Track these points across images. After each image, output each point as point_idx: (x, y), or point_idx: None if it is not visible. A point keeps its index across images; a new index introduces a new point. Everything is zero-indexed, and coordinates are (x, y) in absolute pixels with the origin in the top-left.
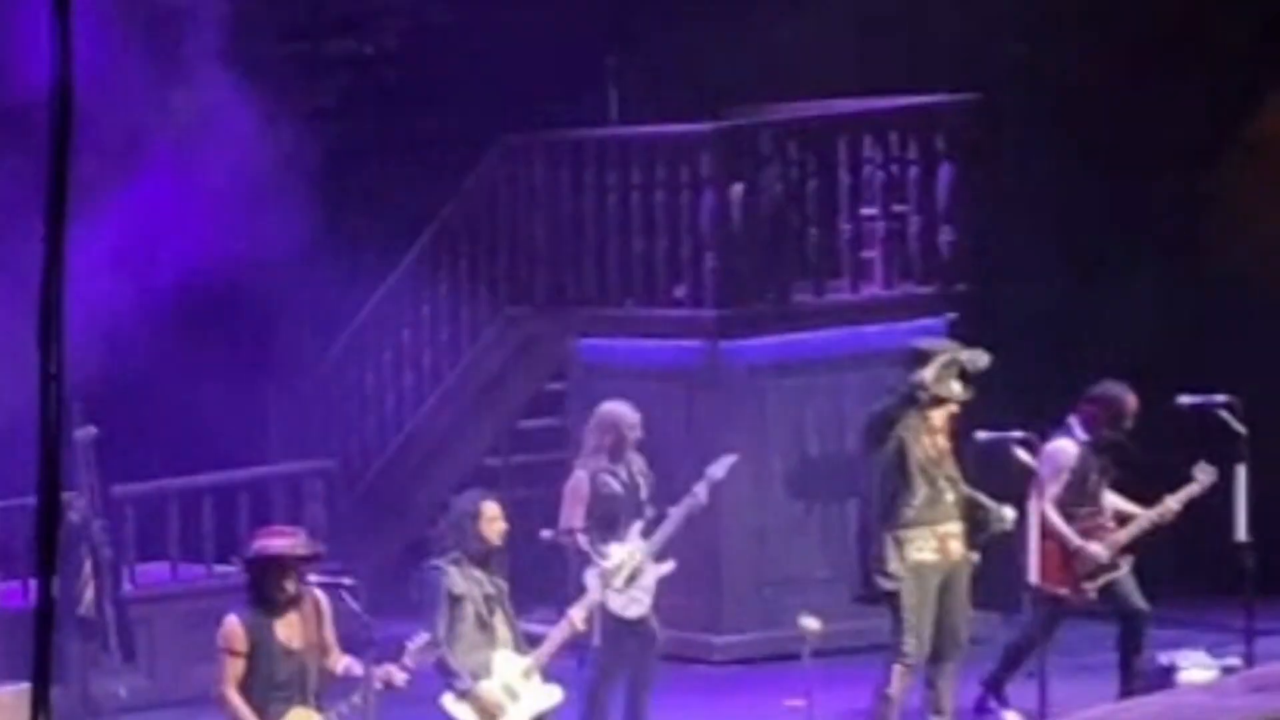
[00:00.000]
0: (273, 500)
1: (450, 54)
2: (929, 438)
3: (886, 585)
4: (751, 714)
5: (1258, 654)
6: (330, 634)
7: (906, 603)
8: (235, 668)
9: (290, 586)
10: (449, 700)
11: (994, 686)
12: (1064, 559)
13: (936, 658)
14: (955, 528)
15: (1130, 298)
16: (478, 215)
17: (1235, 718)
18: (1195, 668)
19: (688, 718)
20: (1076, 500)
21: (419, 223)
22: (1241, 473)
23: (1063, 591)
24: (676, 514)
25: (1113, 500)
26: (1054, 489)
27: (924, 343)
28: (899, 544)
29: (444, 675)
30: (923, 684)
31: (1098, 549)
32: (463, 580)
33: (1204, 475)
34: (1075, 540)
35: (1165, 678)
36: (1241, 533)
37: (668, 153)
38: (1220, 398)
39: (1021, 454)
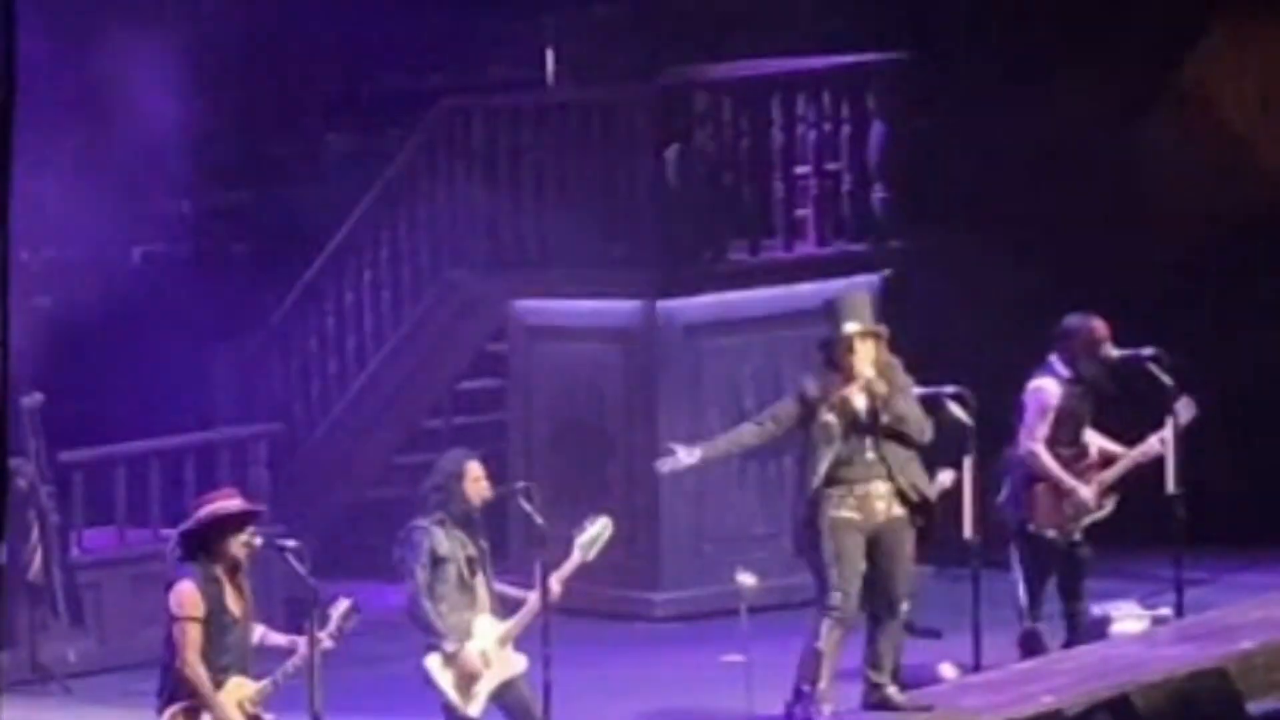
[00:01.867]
0: (218, 464)
1: (389, 16)
2: (850, 393)
3: (801, 542)
4: (691, 670)
5: (1188, 604)
6: (249, 598)
7: (825, 559)
8: (197, 634)
9: (240, 548)
10: (434, 662)
11: (1026, 646)
12: (1054, 501)
13: (874, 618)
14: (880, 487)
15: (1066, 250)
16: (417, 178)
17: (1166, 667)
18: (1127, 619)
19: (628, 674)
20: (1065, 440)
21: (360, 186)
22: (1170, 424)
23: (1052, 533)
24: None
25: (1094, 439)
26: (1042, 429)
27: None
28: (815, 502)
29: (429, 635)
30: (864, 641)
31: (1087, 493)
32: (446, 541)
33: (1185, 411)
34: (1069, 482)
35: (1098, 629)
36: (1172, 484)
37: (604, 114)
38: (1148, 351)
39: (955, 409)
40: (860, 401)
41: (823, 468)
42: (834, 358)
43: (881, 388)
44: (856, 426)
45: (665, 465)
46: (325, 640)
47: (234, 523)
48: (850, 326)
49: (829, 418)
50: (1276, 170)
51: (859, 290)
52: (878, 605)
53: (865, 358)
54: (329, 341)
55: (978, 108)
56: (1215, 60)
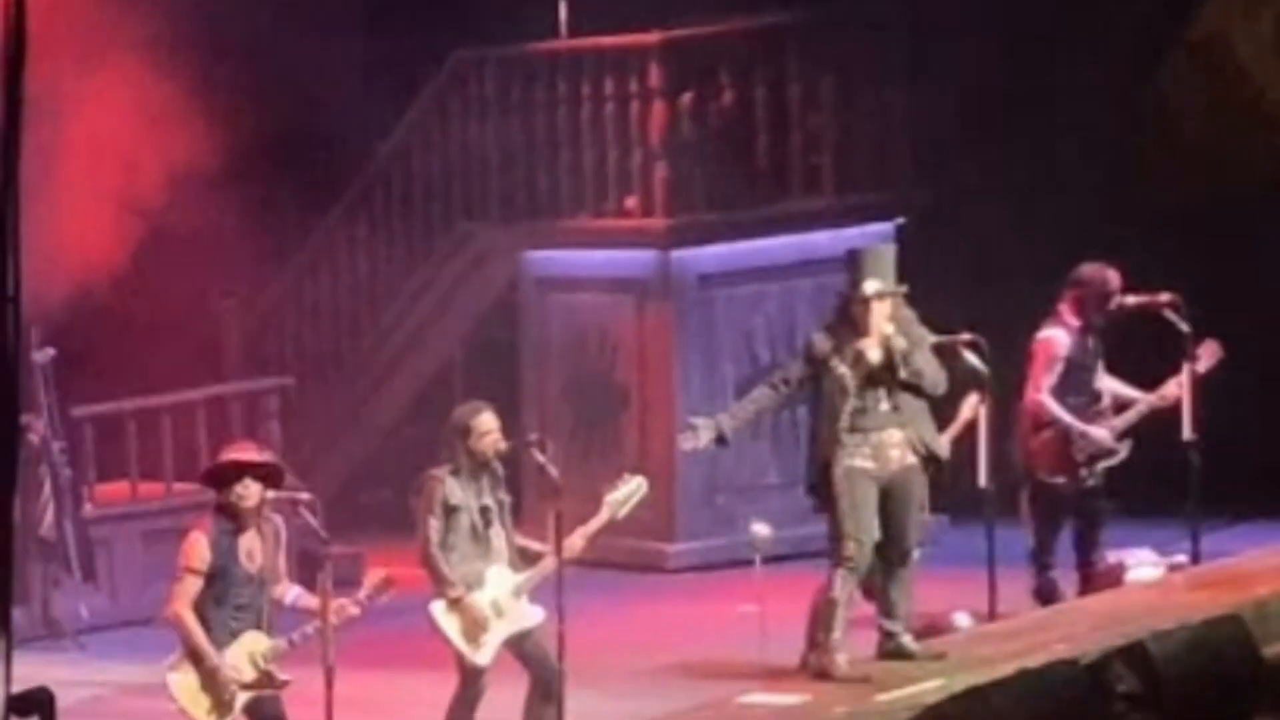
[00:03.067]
0: (230, 418)
1: None
2: (866, 344)
3: (816, 493)
4: (706, 620)
5: (1203, 551)
6: (284, 562)
7: (841, 507)
8: (192, 586)
9: (249, 495)
10: (439, 609)
11: (1041, 594)
12: (1062, 448)
13: (887, 566)
14: (895, 435)
15: (1076, 201)
16: (430, 130)
17: (1182, 614)
18: (1143, 566)
19: (643, 625)
20: (1074, 389)
21: (372, 139)
22: (1187, 370)
23: (1059, 480)
24: None
25: (1111, 385)
26: (1048, 378)
27: (858, 247)
28: (832, 452)
29: (436, 582)
30: (878, 591)
31: (1101, 433)
32: (460, 491)
33: (1209, 355)
34: (1078, 426)
35: (1114, 576)
36: (1188, 431)
37: (617, 64)
38: (1165, 296)
39: (969, 356)
40: (875, 355)
41: (843, 419)
42: (851, 312)
43: (901, 343)
44: (871, 379)
45: (687, 442)
46: (353, 607)
47: (236, 468)
48: (871, 286)
49: (843, 370)
50: None
51: (882, 245)
52: (890, 553)
53: (882, 314)
54: (341, 295)
55: (994, 58)
56: (1229, 7)
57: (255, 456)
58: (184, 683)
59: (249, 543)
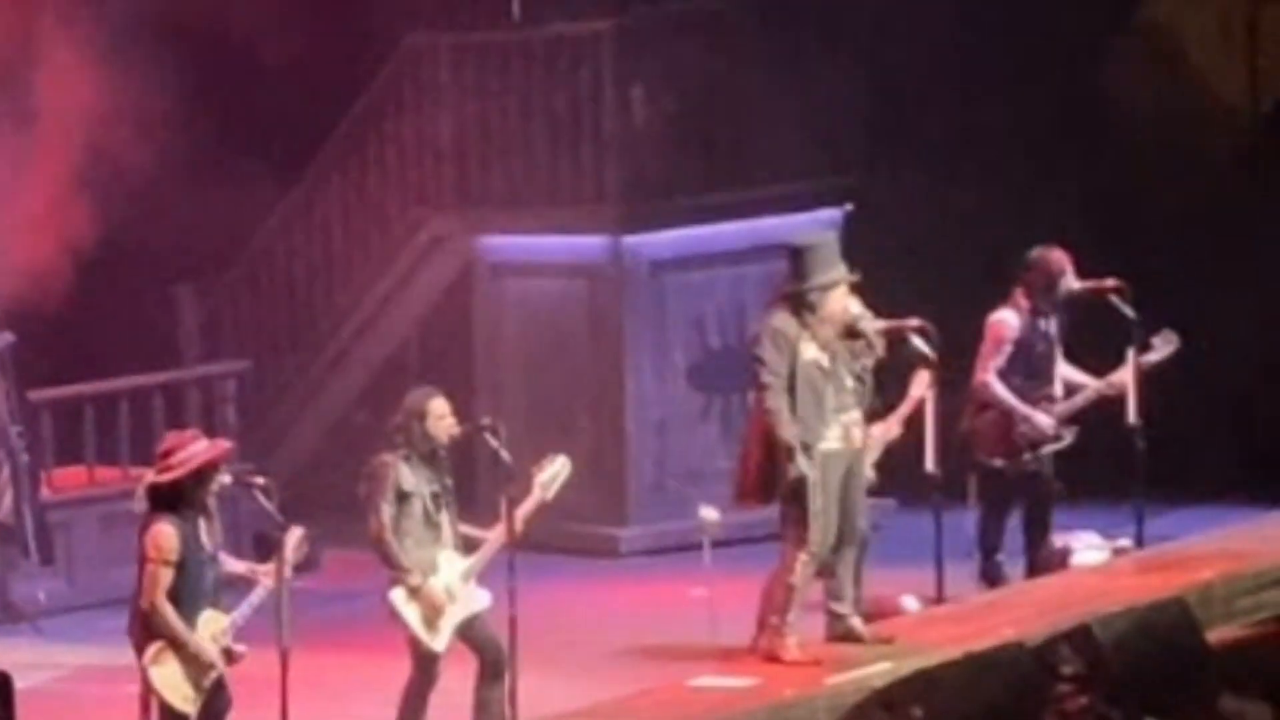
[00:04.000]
0: (187, 402)
1: None
2: (822, 328)
3: (808, 470)
4: (657, 604)
5: (1148, 536)
6: (219, 531)
7: (813, 493)
8: (165, 578)
9: (215, 490)
10: (399, 596)
11: (987, 578)
12: (1004, 430)
13: (835, 545)
14: (856, 414)
15: (1026, 185)
16: (384, 117)
17: (1127, 598)
18: (1088, 550)
19: (594, 609)
20: (1024, 371)
21: (327, 125)
22: (1132, 356)
23: (999, 462)
24: None
25: (1066, 371)
26: (996, 360)
27: (797, 238)
28: (817, 434)
29: (393, 570)
30: (827, 575)
31: (1045, 420)
32: (411, 476)
33: (1164, 344)
34: (1021, 408)
35: (1060, 560)
36: (1133, 416)
37: (570, 51)
38: (1111, 282)
39: (917, 341)
40: (839, 339)
41: (828, 403)
42: (807, 300)
43: (869, 324)
44: (840, 359)
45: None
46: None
47: (211, 470)
48: (834, 275)
49: (816, 354)
50: (1236, 102)
51: (826, 234)
52: (840, 533)
53: (841, 299)
54: (297, 280)
55: (942, 43)
56: None
57: (225, 446)
58: (164, 673)
59: (205, 526)
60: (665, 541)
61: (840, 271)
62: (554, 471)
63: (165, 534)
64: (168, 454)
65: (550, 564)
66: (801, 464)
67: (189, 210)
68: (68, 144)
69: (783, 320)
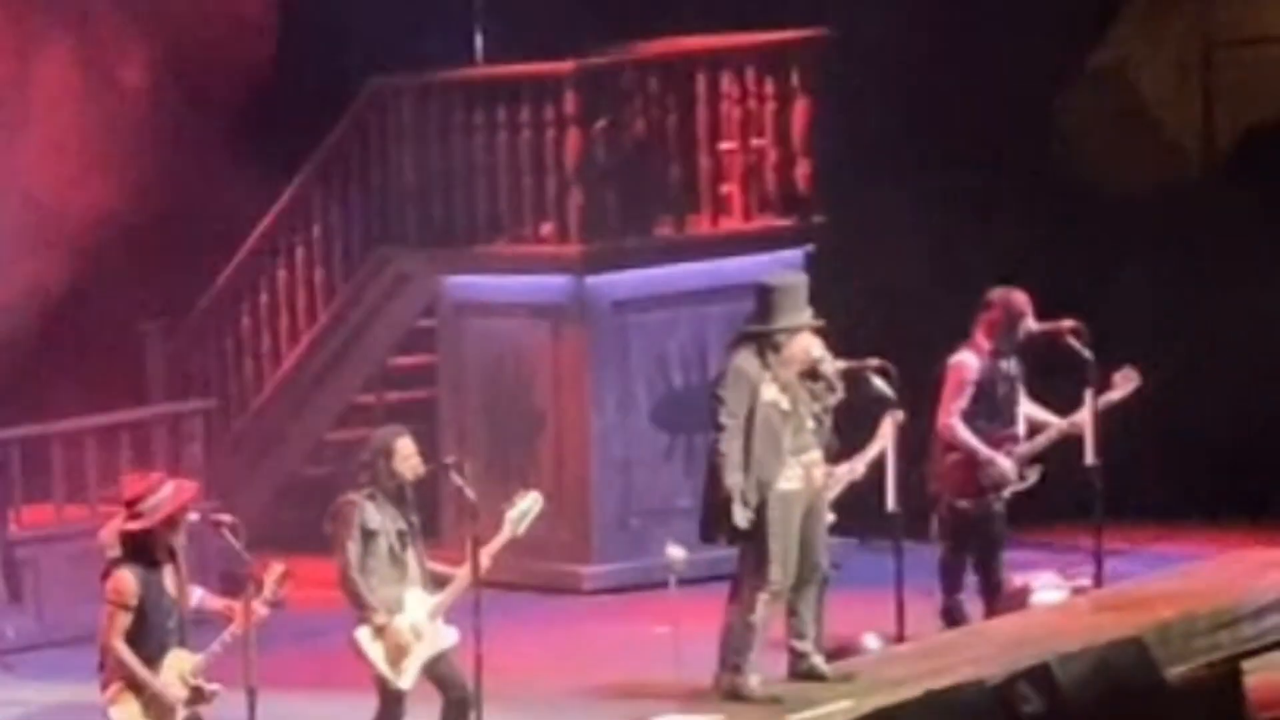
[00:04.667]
0: (154, 441)
1: None
2: (784, 370)
3: (743, 521)
4: (621, 642)
5: (1106, 575)
6: (185, 568)
7: (772, 531)
8: (124, 621)
9: (181, 536)
10: (364, 635)
11: (948, 616)
12: (969, 472)
13: (797, 583)
14: (816, 454)
15: (985, 222)
16: (349, 156)
17: (1086, 636)
18: (1047, 589)
19: (559, 647)
20: (987, 413)
21: (292, 165)
22: (1089, 396)
23: (964, 504)
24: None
25: (1030, 410)
26: (959, 402)
27: (765, 278)
28: (775, 475)
29: (358, 609)
30: (784, 611)
31: (1006, 464)
32: (377, 515)
33: (1124, 382)
34: (984, 452)
35: (1019, 599)
36: (1091, 456)
37: (532, 92)
38: (1068, 323)
39: (878, 382)
40: (798, 381)
41: (786, 442)
42: (773, 340)
43: (830, 367)
44: (801, 400)
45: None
46: (261, 608)
47: (181, 515)
48: (800, 319)
49: (776, 396)
50: (1192, 143)
51: (796, 277)
52: (802, 571)
53: (804, 343)
54: (261, 318)
55: (899, 84)
56: (1131, 35)
57: (192, 489)
58: (125, 713)
59: (169, 566)
60: (629, 579)
61: (806, 316)
62: (525, 507)
63: (124, 579)
64: (135, 500)
65: (515, 601)
66: (738, 513)
67: (156, 249)
68: (35, 182)
69: (745, 360)
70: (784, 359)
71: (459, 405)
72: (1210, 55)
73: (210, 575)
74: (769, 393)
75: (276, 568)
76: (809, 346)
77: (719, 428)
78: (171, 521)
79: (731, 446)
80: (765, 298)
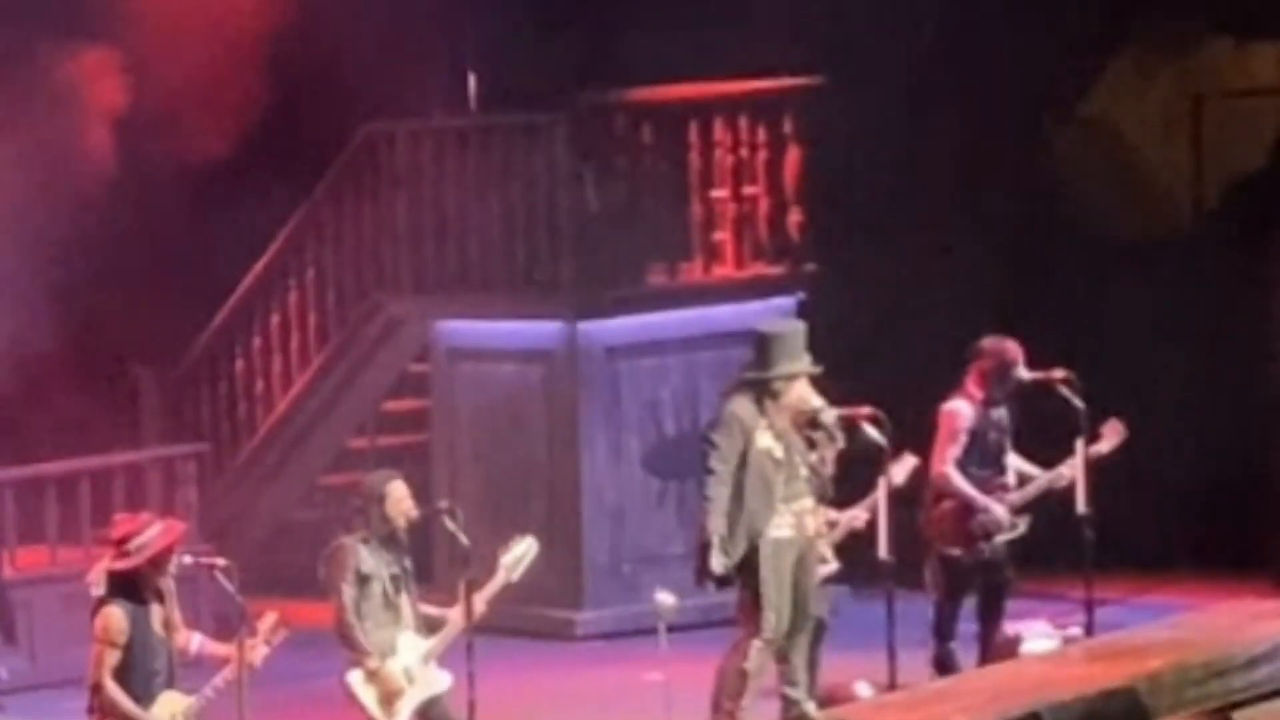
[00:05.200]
0: (148, 484)
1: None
2: (780, 417)
3: (719, 567)
4: (612, 688)
5: (1098, 624)
6: (178, 613)
7: (764, 578)
8: (112, 659)
9: (169, 578)
10: (356, 679)
11: (940, 665)
12: (961, 520)
13: (789, 631)
14: (809, 503)
15: (973, 272)
16: (343, 201)
17: (1077, 686)
18: (1039, 638)
19: (551, 693)
20: (979, 460)
21: (286, 209)
22: (1081, 446)
23: (956, 552)
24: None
25: (1013, 461)
26: (952, 450)
27: (763, 325)
28: (765, 523)
29: (351, 652)
30: (780, 659)
31: (1000, 510)
32: (371, 559)
33: (1112, 434)
34: (980, 499)
35: (1010, 648)
36: (1082, 505)
37: (525, 138)
38: (1059, 373)
39: (870, 430)
40: (792, 430)
41: (778, 490)
42: (770, 388)
43: (830, 416)
44: (795, 448)
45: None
46: (255, 655)
47: (168, 555)
48: (798, 366)
49: (770, 443)
50: (1179, 192)
51: (793, 324)
52: (794, 619)
53: (799, 391)
54: (255, 362)
55: (891, 133)
56: (1120, 86)
57: (179, 529)
58: None
59: (156, 607)
60: (621, 625)
61: (804, 363)
62: (519, 552)
63: (113, 616)
64: (124, 540)
65: (507, 647)
66: (715, 559)
67: (150, 292)
68: (29, 223)
69: (740, 406)
70: (781, 406)
71: (451, 450)
72: (1198, 105)
73: (203, 617)
74: (763, 440)
75: (270, 616)
76: (806, 395)
77: (709, 472)
78: (158, 561)
79: (718, 492)
80: (763, 345)
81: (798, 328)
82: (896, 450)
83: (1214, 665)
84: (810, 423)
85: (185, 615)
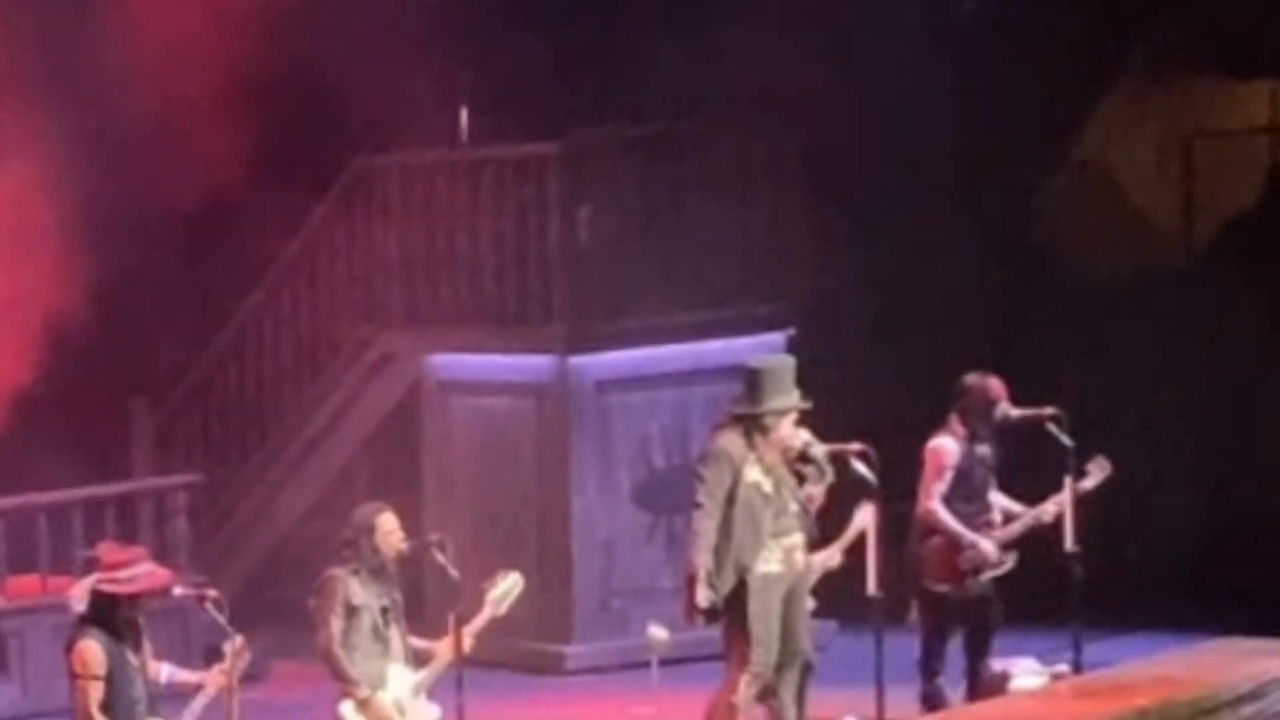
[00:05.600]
0: (140, 514)
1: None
2: (770, 452)
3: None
4: None
5: (1086, 661)
6: (147, 643)
7: (753, 612)
8: (96, 692)
9: (141, 617)
10: (347, 710)
11: (928, 701)
12: (949, 556)
13: (778, 666)
14: (799, 538)
15: (966, 310)
16: (334, 235)
17: None
18: (1026, 675)
19: None
20: (964, 497)
21: (278, 241)
22: (1068, 483)
23: (944, 588)
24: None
25: (999, 499)
26: (939, 486)
27: (754, 360)
28: (754, 557)
29: (341, 683)
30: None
31: (989, 546)
32: (360, 591)
33: (1099, 470)
34: (967, 535)
35: (998, 684)
36: (1070, 542)
37: (516, 172)
38: (1048, 410)
39: (858, 465)
40: (781, 465)
41: (766, 525)
42: (760, 423)
43: (820, 451)
44: (784, 483)
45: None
46: (220, 678)
47: (147, 598)
48: (787, 402)
49: (758, 477)
50: (1172, 233)
51: (783, 360)
52: (783, 655)
53: (790, 426)
54: (247, 394)
55: (885, 171)
56: (1111, 125)
57: (166, 577)
58: None
59: (131, 637)
60: (611, 659)
61: (794, 398)
62: (506, 588)
63: (91, 649)
64: (115, 565)
65: (497, 680)
66: (701, 593)
67: (143, 323)
68: (22, 255)
69: (729, 440)
70: (770, 441)
71: (442, 483)
72: (1190, 145)
73: (194, 649)
74: (752, 474)
75: (235, 639)
76: (797, 431)
77: (696, 505)
78: (138, 599)
79: (705, 526)
80: (753, 380)
81: (788, 363)
82: (885, 487)
83: (1201, 703)
84: (800, 457)
85: (177, 647)
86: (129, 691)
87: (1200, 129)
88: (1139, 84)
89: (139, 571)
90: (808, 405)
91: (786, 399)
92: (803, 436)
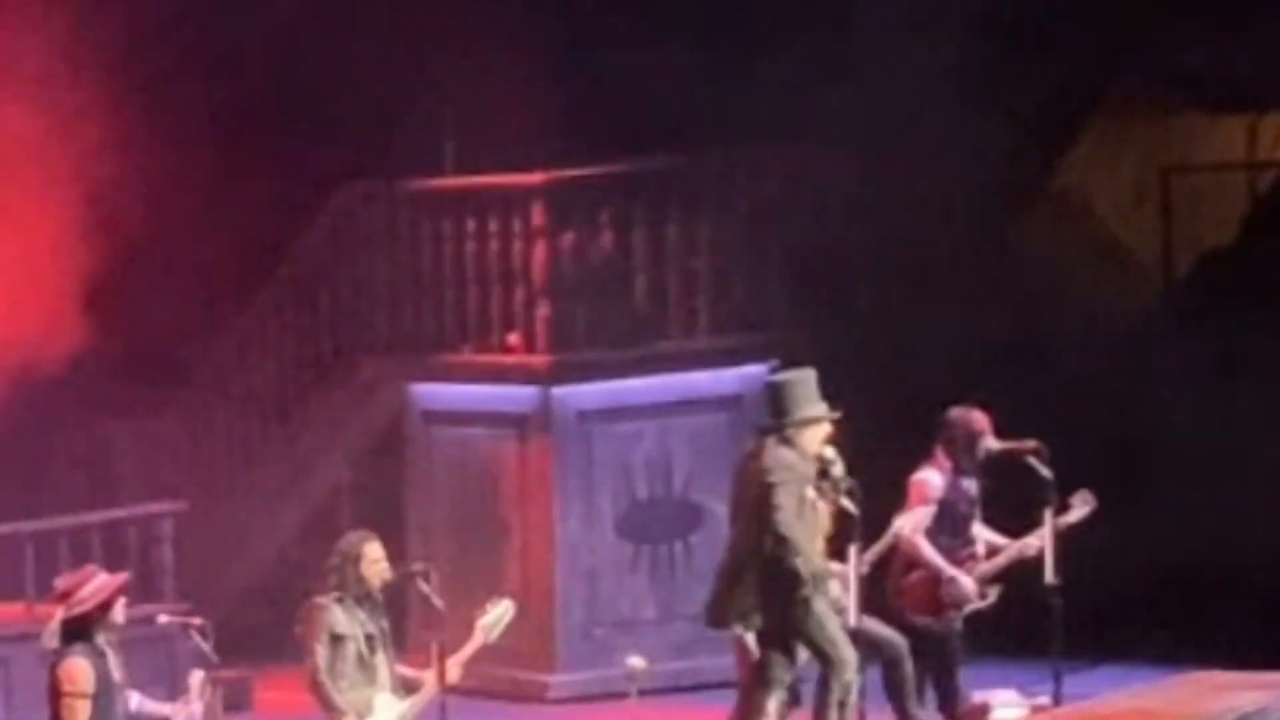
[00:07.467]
0: (125, 541)
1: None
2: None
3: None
4: None
5: (1066, 693)
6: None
7: (821, 612)
8: (84, 711)
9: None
10: None
11: None
12: (929, 589)
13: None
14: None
15: (941, 341)
16: (320, 262)
17: None
18: (1006, 707)
19: None
20: (948, 530)
21: (265, 269)
22: (1049, 516)
23: (924, 620)
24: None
25: (983, 532)
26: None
27: (775, 375)
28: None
29: (327, 711)
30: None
31: (968, 582)
32: (345, 619)
33: (1082, 504)
34: (949, 570)
35: (978, 716)
36: (1050, 575)
37: (501, 203)
38: (1030, 444)
39: (843, 500)
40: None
41: (820, 545)
42: (787, 437)
43: (840, 469)
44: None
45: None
46: (184, 710)
47: (115, 600)
48: (818, 410)
49: (810, 495)
50: (1149, 265)
51: (804, 372)
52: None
53: (817, 437)
54: (233, 421)
55: (863, 205)
56: (1091, 157)
57: (123, 577)
58: None
59: (114, 656)
60: (593, 688)
61: (822, 408)
62: (498, 615)
63: (78, 666)
64: (70, 592)
65: (481, 708)
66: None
67: (126, 350)
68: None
69: (781, 451)
70: (801, 454)
71: (426, 512)
72: (1167, 179)
73: (180, 676)
74: (808, 486)
75: (196, 674)
76: (818, 445)
77: (776, 508)
78: (107, 606)
79: (795, 532)
80: (776, 393)
81: (809, 374)
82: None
83: None
84: (820, 472)
85: (163, 675)
86: (111, 711)
87: (1178, 163)
88: (1117, 118)
89: (96, 584)
90: (836, 414)
91: (813, 409)
92: (827, 452)
